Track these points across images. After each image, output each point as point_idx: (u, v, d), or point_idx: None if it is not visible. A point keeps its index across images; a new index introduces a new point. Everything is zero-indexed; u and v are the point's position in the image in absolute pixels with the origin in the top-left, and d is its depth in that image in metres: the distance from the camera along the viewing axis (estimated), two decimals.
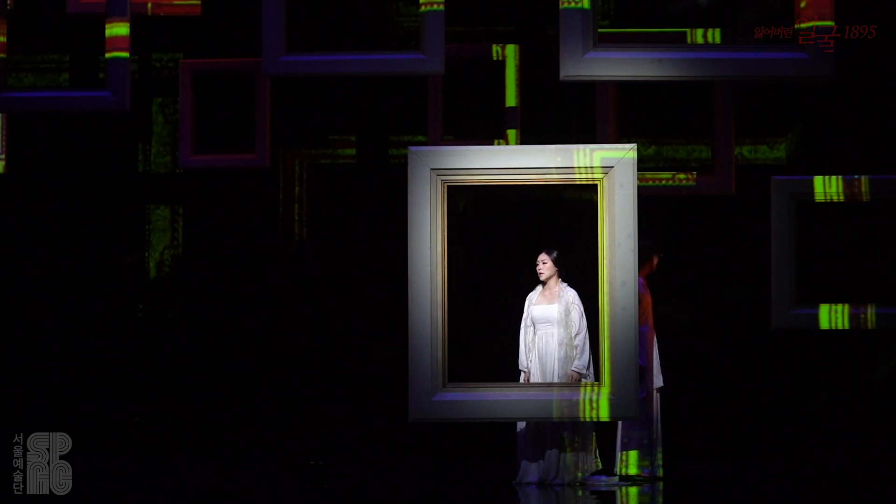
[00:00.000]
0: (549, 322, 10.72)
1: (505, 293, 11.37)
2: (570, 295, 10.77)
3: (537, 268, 10.84)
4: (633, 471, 10.97)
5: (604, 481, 10.77)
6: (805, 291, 10.31)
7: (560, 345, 10.71)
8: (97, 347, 13.61)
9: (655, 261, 11.18)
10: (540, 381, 10.64)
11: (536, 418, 10.23)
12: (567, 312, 10.71)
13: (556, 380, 10.59)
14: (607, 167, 9.68)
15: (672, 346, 11.77)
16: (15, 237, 13.73)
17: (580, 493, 10.42)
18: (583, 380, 10.53)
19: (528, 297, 10.91)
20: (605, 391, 9.73)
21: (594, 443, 10.81)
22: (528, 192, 12.97)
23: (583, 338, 10.68)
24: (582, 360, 10.67)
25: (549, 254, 10.85)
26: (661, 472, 11.01)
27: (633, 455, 11.00)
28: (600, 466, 10.86)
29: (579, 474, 10.67)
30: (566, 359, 10.68)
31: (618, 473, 10.98)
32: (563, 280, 10.83)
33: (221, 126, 13.23)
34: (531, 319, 10.83)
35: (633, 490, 10.62)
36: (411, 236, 9.64)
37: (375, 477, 11.41)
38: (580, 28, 9.57)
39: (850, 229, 13.13)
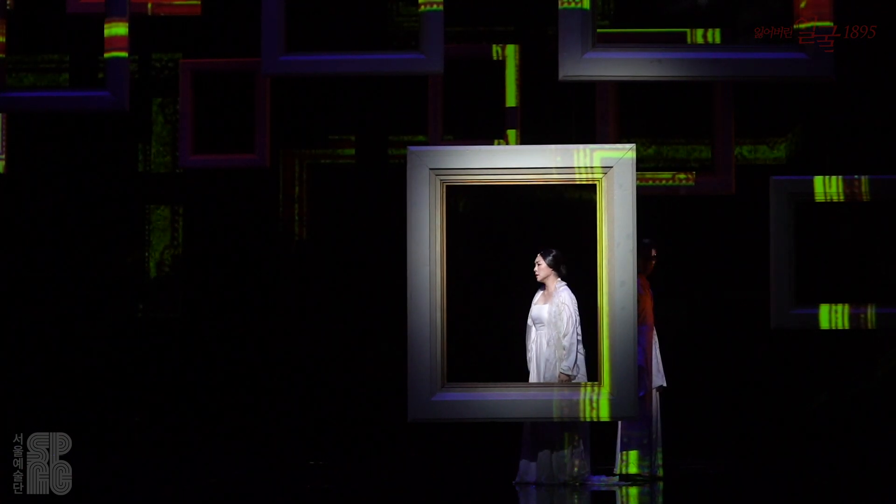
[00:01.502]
0: (542, 323, 10.72)
1: (504, 293, 11.39)
2: (563, 296, 10.73)
3: (534, 269, 10.83)
4: (633, 470, 10.97)
5: (604, 481, 10.77)
6: (805, 291, 10.30)
7: (549, 345, 10.69)
8: (97, 347, 13.62)
9: (653, 261, 11.17)
10: (534, 381, 10.64)
11: (536, 418, 10.22)
12: (558, 313, 10.68)
13: (544, 381, 10.57)
14: (606, 167, 9.68)
15: (672, 346, 11.78)
16: (15, 237, 13.73)
17: (577, 493, 10.41)
18: (573, 381, 10.50)
19: (534, 298, 10.91)
20: (604, 391, 9.73)
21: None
22: (528, 192, 12.97)
23: (569, 339, 10.62)
24: (567, 362, 10.61)
25: (544, 255, 10.81)
26: (661, 472, 11.00)
27: (633, 455, 11.00)
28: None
29: (575, 470, 10.65)
30: (555, 360, 10.66)
31: (618, 473, 10.98)
32: (563, 280, 10.80)
33: (221, 126, 13.23)
34: (531, 320, 10.83)
35: (634, 490, 10.62)
36: (410, 236, 9.64)
37: (375, 477, 11.41)
38: (579, 28, 9.57)
39: (850, 229, 13.13)
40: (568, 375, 10.54)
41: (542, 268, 10.79)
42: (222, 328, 13.65)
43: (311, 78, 11.77)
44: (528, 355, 10.82)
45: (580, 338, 10.67)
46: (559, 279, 10.79)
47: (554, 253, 10.80)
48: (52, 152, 13.81)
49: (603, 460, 10.96)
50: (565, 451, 10.64)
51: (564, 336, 10.62)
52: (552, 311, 10.69)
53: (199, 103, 12.63)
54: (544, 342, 10.70)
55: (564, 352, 10.61)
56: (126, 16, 10.29)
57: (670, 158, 13.56)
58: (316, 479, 11.28)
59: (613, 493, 10.51)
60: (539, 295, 10.85)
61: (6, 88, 10.73)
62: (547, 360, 10.66)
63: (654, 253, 11.11)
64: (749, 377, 13.11)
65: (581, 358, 10.67)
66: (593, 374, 10.44)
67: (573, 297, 10.72)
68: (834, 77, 9.70)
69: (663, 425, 11.09)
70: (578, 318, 10.69)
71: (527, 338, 10.86)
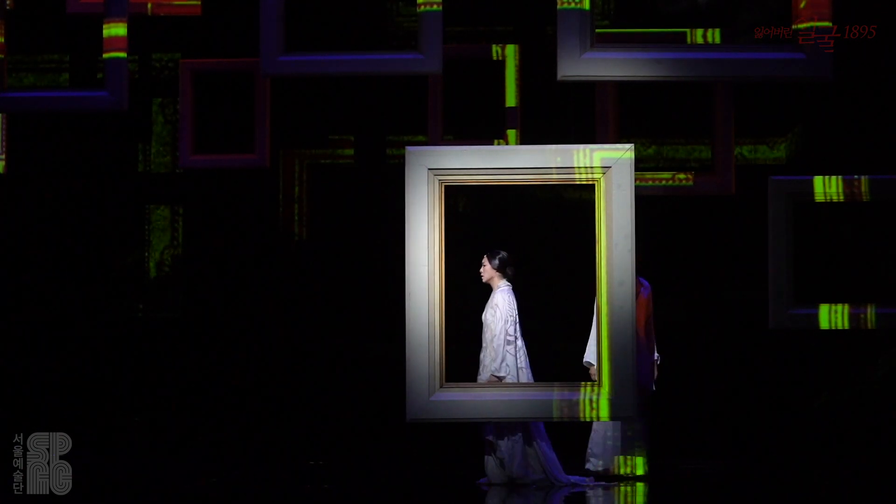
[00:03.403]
0: (483, 325, 10.74)
1: None
2: (496, 297, 10.68)
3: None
4: (639, 472, 10.99)
5: (577, 482, 10.74)
6: (805, 291, 10.31)
7: (484, 347, 10.71)
8: (97, 347, 13.62)
9: None
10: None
11: (535, 418, 10.23)
12: (492, 315, 10.67)
13: (480, 382, 10.62)
14: (605, 167, 9.68)
15: (672, 347, 11.77)
16: (15, 237, 13.74)
17: (554, 493, 10.41)
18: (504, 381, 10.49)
19: None
20: (604, 391, 9.73)
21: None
22: (528, 192, 12.97)
23: (497, 341, 10.56)
24: (496, 364, 10.57)
25: (490, 257, 10.77)
26: (641, 471, 11.00)
27: (629, 456, 11.03)
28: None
29: (517, 468, 10.62)
30: (489, 361, 10.66)
31: (595, 472, 10.99)
32: (509, 282, 10.75)
33: (221, 126, 13.23)
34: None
35: (634, 488, 10.63)
36: (409, 236, 9.64)
37: (375, 477, 11.42)
38: (578, 28, 9.58)
39: (850, 229, 13.13)
40: (497, 377, 10.53)
41: (486, 269, 10.76)
42: (222, 328, 13.66)
43: (311, 78, 11.77)
44: None
45: (511, 338, 10.62)
46: (504, 281, 10.75)
47: (501, 255, 10.75)
48: (52, 152, 13.81)
49: (575, 461, 10.96)
50: (514, 449, 10.63)
51: (494, 338, 10.60)
52: (489, 313, 10.70)
53: (199, 103, 12.63)
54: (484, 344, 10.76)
55: (494, 353, 10.60)
56: (125, 16, 10.30)
57: (670, 158, 13.56)
58: (316, 479, 11.28)
59: (587, 492, 10.51)
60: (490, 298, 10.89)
61: (6, 88, 10.73)
62: (482, 360, 10.70)
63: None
64: (749, 377, 13.11)
65: (511, 358, 10.62)
66: (541, 374, 10.44)
67: (507, 298, 10.65)
68: (830, 77, 9.70)
69: (648, 424, 11.10)
70: (513, 318, 10.64)
71: None
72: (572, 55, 9.59)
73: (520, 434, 10.60)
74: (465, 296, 10.92)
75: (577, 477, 10.83)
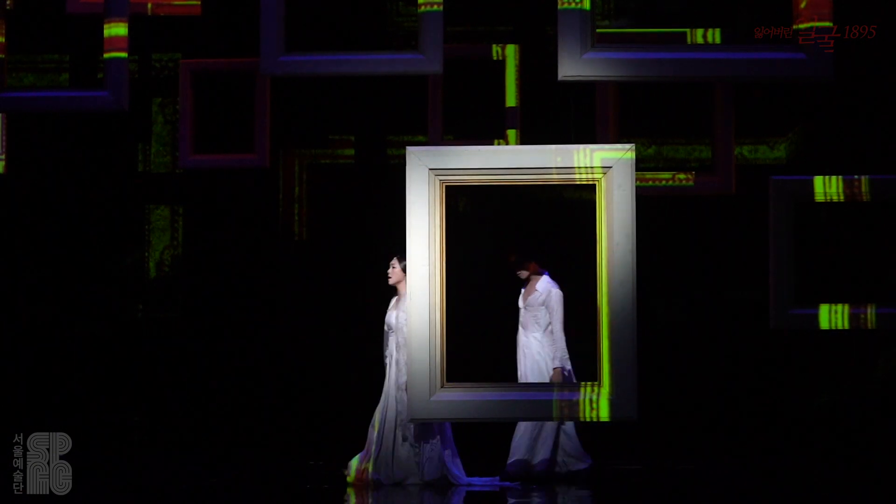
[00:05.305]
0: (392, 329, 10.79)
1: (504, 293, 11.37)
2: (406, 303, 10.67)
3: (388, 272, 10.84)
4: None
5: (477, 482, 10.78)
6: (805, 291, 10.30)
7: (399, 350, 10.76)
8: (97, 347, 13.62)
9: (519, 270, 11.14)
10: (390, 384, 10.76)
11: (536, 419, 10.23)
12: (405, 320, 10.67)
13: (399, 385, 10.72)
14: (606, 167, 9.66)
15: (672, 346, 11.77)
16: (15, 237, 13.74)
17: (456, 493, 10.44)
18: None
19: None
20: (604, 391, 9.71)
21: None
22: (528, 192, 12.97)
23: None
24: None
25: (399, 258, 10.79)
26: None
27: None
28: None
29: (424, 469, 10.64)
30: (403, 363, 10.69)
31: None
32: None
33: (221, 126, 13.23)
34: (385, 325, 10.89)
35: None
36: (409, 236, 9.61)
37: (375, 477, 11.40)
38: (578, 28, 9.56)
39: (850, 229, 13.13)
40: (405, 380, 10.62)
41: (395, 272, 10.80)
42: (222, 328, 13.66)
43: (311, 78, 11.77)
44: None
45: None
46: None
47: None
48: (52, 152, 13.81)
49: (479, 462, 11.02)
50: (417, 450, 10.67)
51: (406, 341, 10.64)
52: (402, 317, 10.70)
53: (199, 103, 12.63)
54: (394, 347, 10.74)
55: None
56: (126, 16, 10.28)
57: (670, 158, 13.56)
58: (316, 479, 11.28)
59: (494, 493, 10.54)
60: (392, 300, 10.87)
61: (6, 88, 10.72)
62: (398, 361, 10.71)
63: (512, 258, 11.09)
64: (749, 377, 13.11)
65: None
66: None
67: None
68: (832, 77, 9.69)
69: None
70: None
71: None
72: (573, 55, 9.56)
73: (438, 437, 10.64)
74: (464, 296, 10.92)
75: (484, 478, 10.84)
